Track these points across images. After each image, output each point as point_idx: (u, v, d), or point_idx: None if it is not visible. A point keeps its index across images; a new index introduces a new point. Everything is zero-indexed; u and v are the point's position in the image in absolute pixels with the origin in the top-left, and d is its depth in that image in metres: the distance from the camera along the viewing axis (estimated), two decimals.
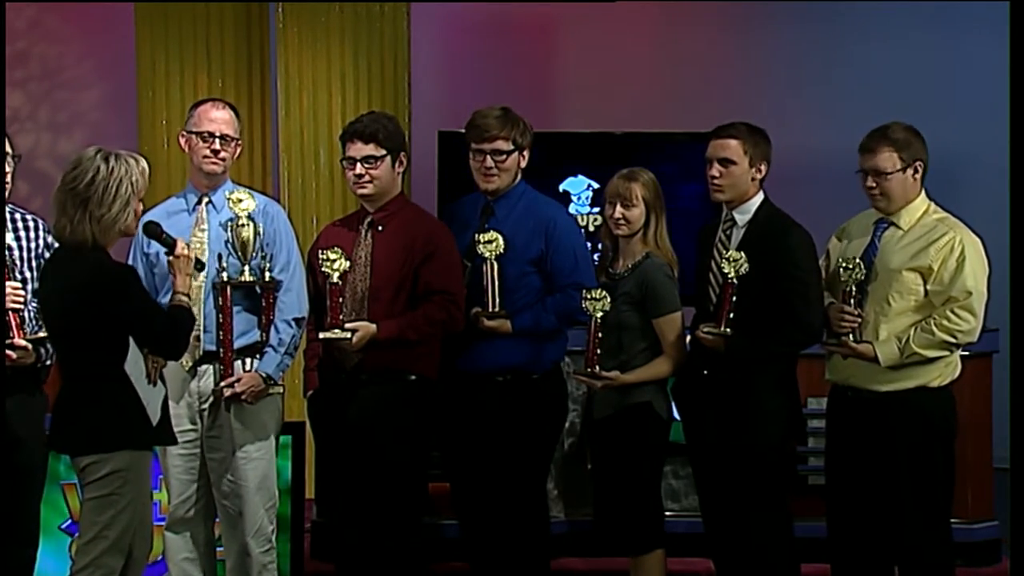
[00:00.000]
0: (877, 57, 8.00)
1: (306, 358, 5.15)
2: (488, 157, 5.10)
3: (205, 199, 5.01)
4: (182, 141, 5.04)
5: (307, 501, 5.84)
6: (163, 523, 5.07)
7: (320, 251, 4.95)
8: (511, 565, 5.12)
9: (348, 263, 4.91)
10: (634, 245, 5.06)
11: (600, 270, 5.16)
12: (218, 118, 4.98)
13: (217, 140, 4.96)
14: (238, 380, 4.88)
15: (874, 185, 4.91)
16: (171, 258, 4.63)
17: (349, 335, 4.87)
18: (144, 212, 4.57)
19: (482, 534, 5.18)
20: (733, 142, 4.97)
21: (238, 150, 5.07)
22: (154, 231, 4.70)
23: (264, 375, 4.92)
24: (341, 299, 4.91)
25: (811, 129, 7.51)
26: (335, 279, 4.88)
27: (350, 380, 4.99)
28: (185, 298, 4.56)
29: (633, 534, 5.03)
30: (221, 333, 4.87)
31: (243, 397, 4.88)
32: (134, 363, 4.37)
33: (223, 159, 4.99)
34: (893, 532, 4.89)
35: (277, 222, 5.03)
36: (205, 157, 4.96)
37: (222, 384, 4.88)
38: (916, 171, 4.89)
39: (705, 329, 4.92)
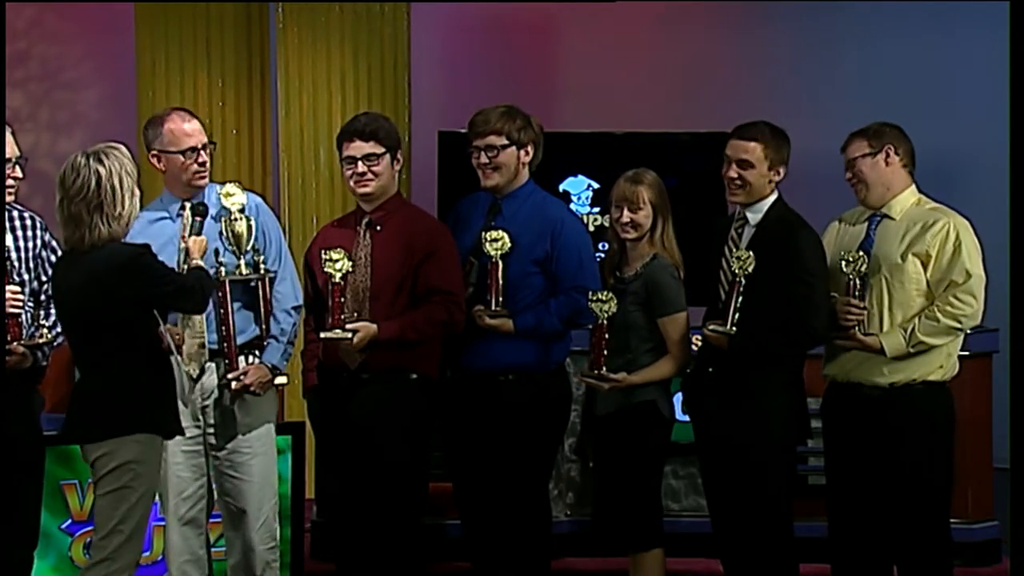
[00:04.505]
0: (877, 57, 8.01)
1: (305, 359, 5.15)
2: (483, 153, 5.12)
3: (188, 204, 4.95)
4: (155, 161, 4.93)
5: (307, 501, 5.84)
6: (163, 523, 5.06)
7: (323, 251, 4.95)
8: (513, 564, 5.12)
9: (351, 264, 4.91)
10: (642, 247, 5.06)
11: (607, 272, 5.16)
12: (194, 130, 4.92)
13: (201, 152, 4.93)
14: (245, 373, 4.91)
15: (851, 176, 4.96)
16: (191, 239, 4.79)
17: (350, 335, 4.88)
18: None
19: (484, 533, 5.18)
20: (755, 145, 4.95)
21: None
22: (199, 211, 4.84)
23: (270, 366, 4.95)
24: (342, 299, 4.91)
25: (811, 129, 7.46)
26: (337, 279, 4.88)
27: (351, 379, 5.00)
28: (201, 262, 4.74)
29: (632, 532, 5.03)
30: (224, 329, 4.88)
31: (252, 389, 4.91)
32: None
33: (207, 166, 4.96)
34: (892, 530, 4.90)
35: (262, 213, 5.05)
36: (196, 173, 4.92)
37: (230, 376, 4.89)
38: (888, 155, 4.92)
39: (711, 326, 4.93)
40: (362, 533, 5.04)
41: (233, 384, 4.89)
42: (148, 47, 7.31)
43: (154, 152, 4.93)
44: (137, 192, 4.48)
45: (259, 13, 7.37)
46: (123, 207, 4.42)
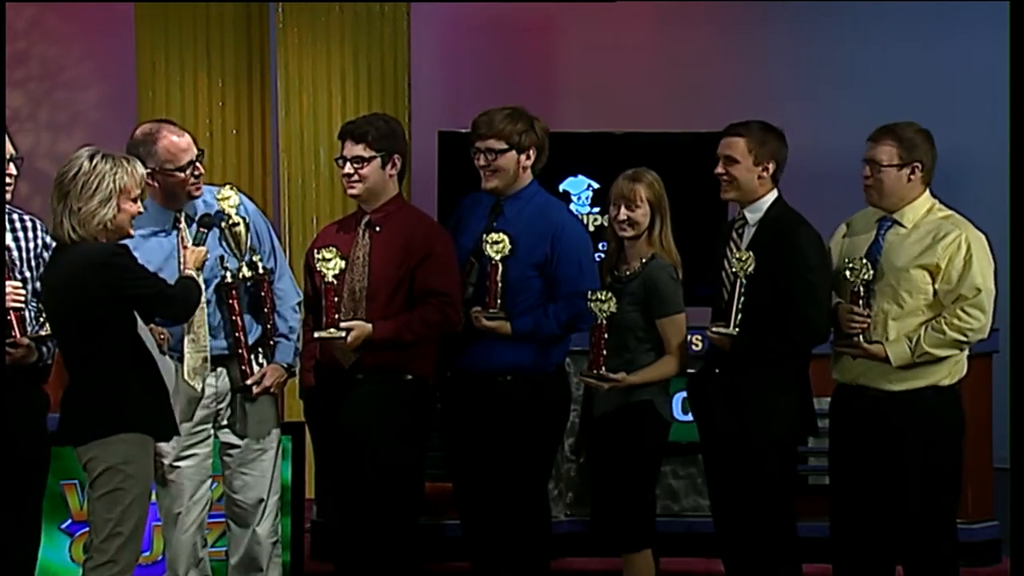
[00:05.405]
0: (877, 57, 8.01)
1: (302, 359, 5.15)
2: (482, 156, 5.11)
3: (182, 215, 4.93)
4: (150, 180, 4.74)
5: (307, 501, 5.85)
6: (162, 523, 5.06)
7: (316, 250, 4.96)
8: (513, 565, 5.12)
9: (344, 262, 4.91)
10: (640, 247, 5.06)
11: (606, 272, 5.16)
12: (188, 143, 4.86)
13: (198, 164, 4.89)
14: (264, 376, 4.95)
15: (868, 175, 4.92)
16: (189, 248, 4.78)
17: (344, 334, 4.88)
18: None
19: (484, 534, 5.18)
20: (738, 140, 4.98)
21: None
22: (205, 223, 4.83)
23: (286, 365, 5.00)
24: (337, 299, 4.91)
25: (811, 129, 7.50)
26: (330, 278, 4.88)
27: (346, 379, 5.00)
28: (193, 272, 4.71)
29: (624, 532, 5.03)
30: (236, 333, 4.90)
31: (272, 390, 4.96)
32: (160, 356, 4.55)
33: (202, 176, 4.92)
34: (899, 531, 4.89)
35: (251, 212, 5.04)
36: (194, 185, 4.89)
37: (249, 383, 4.92)
38: (913, 172, 4.89)
39: (714, 328, 4.93)
40: (359, 533, 5.04)
41: (254, 390, 4.93)
42: (148, 47, 7.31)
43: (152, 172, 4.80)
44: (119, 203, 4.40)
45: (259, 13, 7.37)
46: (87, 205, 4.38)
